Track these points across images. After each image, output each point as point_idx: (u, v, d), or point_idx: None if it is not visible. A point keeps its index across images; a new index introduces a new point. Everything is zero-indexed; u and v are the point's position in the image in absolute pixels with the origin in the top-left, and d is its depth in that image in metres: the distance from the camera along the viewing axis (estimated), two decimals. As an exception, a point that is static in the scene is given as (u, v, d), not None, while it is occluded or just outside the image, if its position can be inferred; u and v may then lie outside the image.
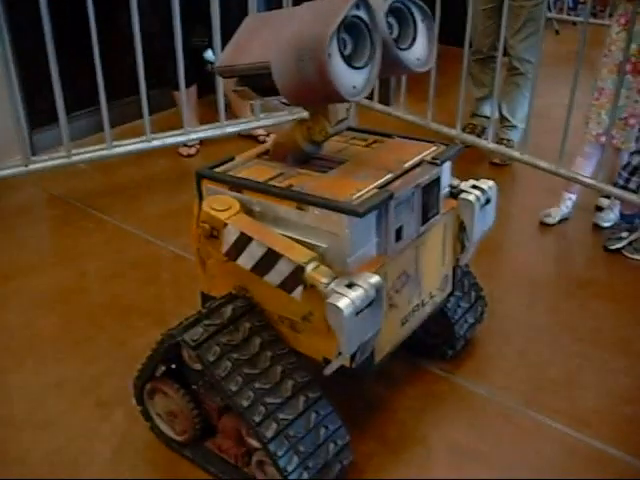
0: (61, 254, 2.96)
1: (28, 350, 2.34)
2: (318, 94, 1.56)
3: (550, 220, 3.15)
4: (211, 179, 1.78)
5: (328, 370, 1.65)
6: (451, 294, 2.04)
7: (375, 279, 1.56)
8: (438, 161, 1.78)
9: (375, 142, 1.95)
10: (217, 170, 1.81)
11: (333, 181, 1.70)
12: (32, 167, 3.22)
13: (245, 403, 1.63)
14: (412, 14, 1.65)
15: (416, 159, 1.79)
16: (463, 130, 3.70)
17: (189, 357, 1.75)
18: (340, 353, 1.59)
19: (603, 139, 2.98)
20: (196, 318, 1.73)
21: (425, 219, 1.79)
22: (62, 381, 2.19)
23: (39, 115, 3.63)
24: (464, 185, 1.93)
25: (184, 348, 1.73)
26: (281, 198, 1.65)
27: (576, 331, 2.46)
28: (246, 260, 1.64)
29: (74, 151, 3.29)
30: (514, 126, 3.89)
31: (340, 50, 1.49)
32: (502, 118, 3.91)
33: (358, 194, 1.60)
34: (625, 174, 2.91)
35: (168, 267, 2.87)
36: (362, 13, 1.52)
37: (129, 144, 3.41)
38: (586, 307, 2.62)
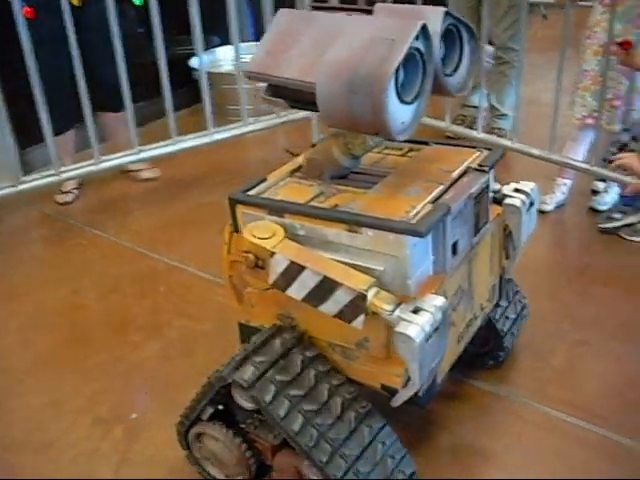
0: (56, 272, 2.91)
1: (26, 371, 2.31)
2: (365, 127, 1.47)
3: (546, 207, 3.11)
4: (248, 204, 1.66)
5: (397, 401, 1.56)
6: (497, 304, 1.96)
7: (440, 301, 1.46)
8: (486, 168, 1.69)
9: (411, 150, 1.85)
10: (251, 193, 1.69)
11: (382, 198, 1.59)
12: (22, 187, 3.14)
13: (310, 442, 1.53)
14: (461, 37, 1.55)
15: (462, 167, 1.69)
16: (453, 122, 3.66)
17: (242, 398, 1.63)
18: (407, 382, 1.50)
19: (588, 121, 2.97)
20: (244, 355, 1.61)
21: (477, 230, 1.69)
22: (60, 401, 2.16)
23: (30, 134, 3.49)
24: (506, 189, 1.84)
25: (235, 389, 1.61)
26: (330, 220, 1.54)
27: (577, 318, 2.43)
28: (297, 290, 1.53)
29: (63, 168, 3.21)
30: (505, 115, 3.84)
31: (396, 87, 1.39)
32: (492, 108, 3.87)
33: (414, 211, 1.50)
34: (613, 149, 2.90)
35: (164, 280, 2.81)
36: (420, 44, 1.41)
37: (117, 158, 3.32)
38: (586, 293, 2.59)
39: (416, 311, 1.43)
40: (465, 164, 1.71)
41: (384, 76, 1.36)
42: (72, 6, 2.98)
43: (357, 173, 1.74)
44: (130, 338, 2.43)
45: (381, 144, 1.73)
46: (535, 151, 3.16)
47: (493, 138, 3.52)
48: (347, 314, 1.48)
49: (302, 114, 3.66)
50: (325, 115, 1.49)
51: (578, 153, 3.08)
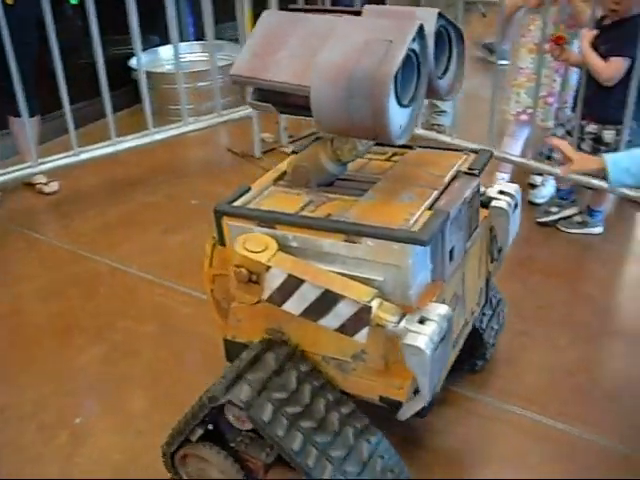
0: None
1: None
2: (364, 132, 1.42)
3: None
4: (235, 215, 1.58)
5: (405, 414, 1.52)
6: (483, 313, 1.94)
7: (445, 310, 1.43)
8: (476, 171, 1.66)
9: (394, 154, 1.81)
10: (236, 204, 1.62)
11: (376, 206, 1.54)
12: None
13: (310, 462, 1.48)
14: (450, 38, 1.52)
15: (453, 171, 1.66)
16: None
17: (236, 418, 1.55)
18: (415, 394, 1.46)
19: (523, 117, 3.05)
20: (236, 373, 1.54)
21: (470, 234, 1.67)
22: (4, 407, 2.11)
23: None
24: (491, 192, 1.82)
25: (230, 409, 1.54)
26: (327, 230, 1.48)
27: (520, 309, 2.45)
28: (296, 304, 1.47)
29: (0, 171, 3.10)
30: (444, 111, 3.90)
31: (395, 90, 1.34)
32: (431, 104, 3.90)
33: (413, 219, 1.46)
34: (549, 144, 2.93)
35: (106, 282, 2.75)
36: (416, 45, 1.37)
37: (56, 160, 3.22)
38: (528, 284, 2.65)
39: (422, 321, 1.39)
40: (455, 168, 1.68)
41: (385, 78, 1.32)
42: (5, 5, 2.85)
43: (344, 180, 1.69)
44: (74, 342, 2.38)
45: (371, 148, 1.67)
46: (474, 147, 3.16)
47: (433, 134, 3.57)
48: (349, 328, 1.43)
49: (243, 113, 3.62)
50: (320, 120, 1.43)
51: (515, 148, 3.16)
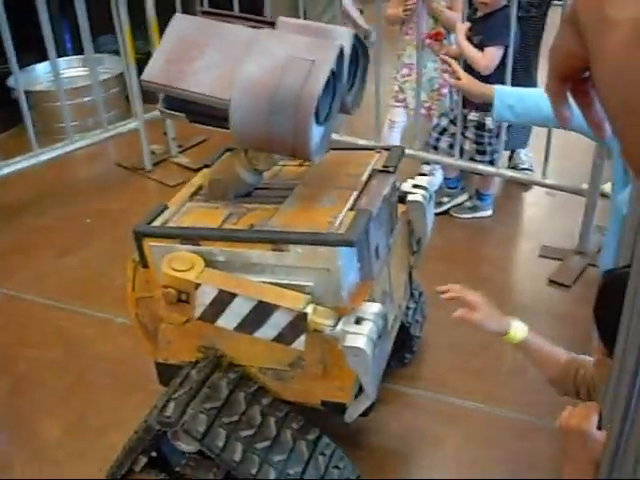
0: None
1: None
2: (282, 148, 1.42)
3: None
4: (157, 236, 1.54)
5: (351, 415, 1.52)
6: (407, 307, 1.98)
7: (378, 307, 1.45)
8: (391, 168, 1.69)
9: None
10: (155, 224, 1.58)
11: (298, 212, 1.54)
12: None
13: (253, 470, 1.50)
14: (357, 54, 1.54)
15: (368, 170, 1.68)
16: None
17: (178, 439, 1.52)
18: (357, 395, 1.47)
19: (422, 111, 3.14)
20: (167, 398, 1.51)
21: (391, 230, 1.69)
22: None
23: None
24: (405, 186, 1.85)
25: (170, 431, 1.50)
26: (253, 242, 1.47)
27: None
28: (229, 320, 1.45)
29: None
30: None
31: (316, 108, 1.34)
32: None
33: (337, 221, 1.47)
34: (435, 134, 3.07)
35: (4, 311, 2.63)
36: (335, 65, 1.38)
37: None
38: (424, 271, 2.58)
39: (358, 321, 1.40)
40: (370, 167, 1.70)
41: (309, 98, 1.33)
42: None
43: (261, 189, 1.68)
44: None
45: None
46: (362, 142, 3.25)
47: None
48: (287, 336, 1.42)
49: (130, 126, 3.54)
50: (237, 133, 1.41)
51: (395, 137, 3.26)
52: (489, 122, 2.84)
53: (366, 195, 1.58)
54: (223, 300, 1.43)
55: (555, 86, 0.61)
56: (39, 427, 2.05)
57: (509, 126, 2.88)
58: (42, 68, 4.35)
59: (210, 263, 1.49)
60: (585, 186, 2.70)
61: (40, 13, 3.07)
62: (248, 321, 1.43)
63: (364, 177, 1.65)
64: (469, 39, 2.75)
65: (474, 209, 3.08)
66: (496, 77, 2.69)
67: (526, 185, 3.24)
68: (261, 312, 1.41)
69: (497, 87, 1.89)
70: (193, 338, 1.61)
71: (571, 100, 0.61)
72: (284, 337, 1.42)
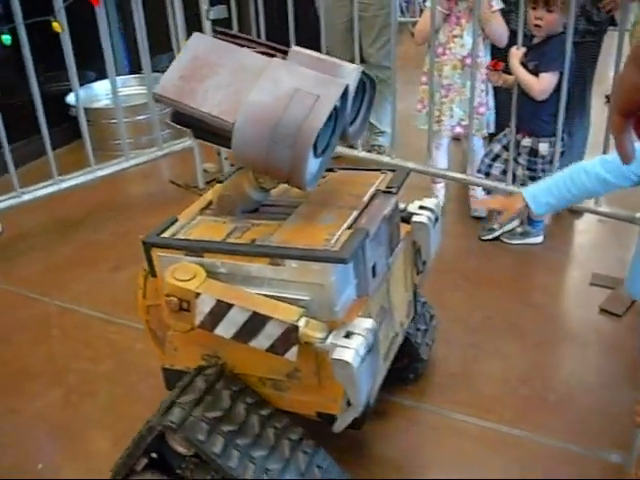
0: None
1: None
2: (278, 174, 1.51)
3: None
4: (164, 247, 1.63)
5: (339, 426, 1.57)
6: (413, 318, 2.02)
7: (369, 323, 1.50)
8: (394, 189, 1.75)
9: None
10: (164, 235, 1.66)
11: (298, 228, 1.61)
12: None
13: (248, 477, 1.52)
14: (364, 88, 1.61)
15: (371, 191, 1.74)
16: None
17: (176, 442, 1.59)
18: (348, 406, 1.52)
19: (457, 130, 3.21)
20: (171, 400, 1.58)
21: (391, 250, 1.74)
22: None
23: None
24: (412, 207, 1.90)
25: (169, 435, 1.58)
26: (252, 255, 1.54)
27: (468, 322, 2.55)
28: (226, 329, 1.52)
29: None
30: (383, 132, 3.99)
31: (315, 141, 1.42)
32: (370, 125, 3.99)
33: (334, 239, 1.53)
34: (487, 160, 3.09)
35: (57, 323, 2.72)
36: (338, 102, 1.45)
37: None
38: (474, 297, 2.73)
39: (348, 335, 1.46)
40: (373, 187, 1.76)
41: (310, 132, 1.40)
42: None
43: (268, 205, 1.75)
44: (27, 388, 2.34)
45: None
46: (413, 165, 3.33)
47: (373, 155, 3.67)
48: (279, 347, 1.48)
49: (184, 145, 3.65)
50: (238, 155, 1.49)
51: (442, 160, 3.33)
52: (542, 148, 2.88)
53: (366, 214, 1.64)
54: (221, 310, 1.50)
55: (618, 121, 0.63)
56: (89, 439, 2.11)
57: (563, 152, 2.90)
58: (100, 86, 4.58)
59: (213, 275, 1.57)
60: (639, 215, 2.71)
61: (101, 32, 3.24)
62: (244, 331, 1.50)
63: (366, 197, 1.71)
64: (524, 65, 2.79)
65: (525, 235, 3.09)
66: (551, 102, 2.75)
67: (578, 212, 3.24)
68: (256, 322, 1.48)
69: (524, 192, 1.92)
70: (197, 346, 1.69)
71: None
72: (277, 348, 1.48)
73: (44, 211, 3.55)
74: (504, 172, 3.02)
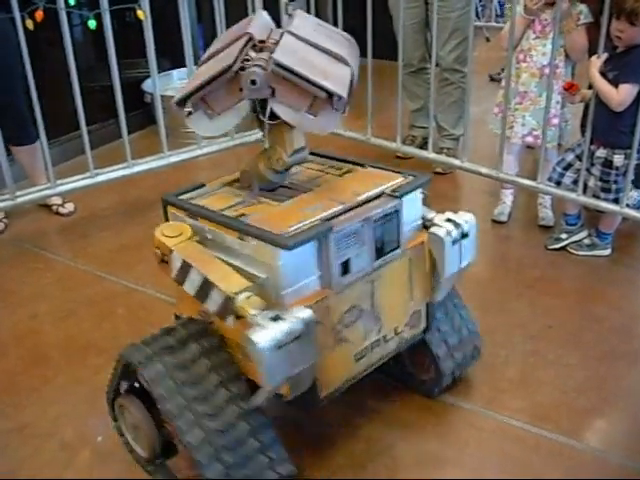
0: (11, 298, 2.85)
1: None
2: None
3: (502, 218, 3.30)
4: (175, 206, 1.82)
5: (256, 400, 1.64)
6: (426, 330, 1.97)
7: (305, 313, 1.53)
8: (397, 194, 1.74)
9: (348, 172, 1.93)
10: (183, 197, 1.85)
11: (284, 212, 1.69)
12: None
13: (184, 426, 1.64)
14: None
15: (376, 191, 1.75)
16: (403, 142, 3.76)
17: (140, 376, 1.78)
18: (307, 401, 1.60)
19: (529, 139, 3.14)
20: (145, 340, 1.77)
21: (381, 253, 1.74)
22: (23, 427, 2.14)
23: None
24: (438, 218, 1.85)
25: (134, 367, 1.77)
26: (226, 227, 1.67)
27: (528, 329, 2.50)
28: (189, 287, 1.67)
29: (18, 192, 3.19)
30: (451, 134, 3.92)
31: None
32: (439, 128, 3.94)
33: (296, 226, 1.59)
34: (559, 169, 2.98)
35: (123, 302, 2.79)
36: None
37: (72, 182, 3.31)
38: (536, 305, 2.65)
39: (276, 319, 1.52)
40: (380, 188, 1.76)
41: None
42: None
43: (286, 187, 1.85)
44: (91, 362, 2.39)
45: (302, 161, 1.81)
46: (484, 170, 3.26)
47: (443, 158, 3.61)
48: (222, 314, 1.60)
49: (256, 136, 3.49)
50: None
51: (513, 167, 3.25)
52: (617, 160, 2.75)
53: (353, 212, 1.67)
54: (185, 269, 1.66)
55: None
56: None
57: (638, 164, 2.74)
58: (177, 74, 4.64)
59: (202, 239, 1.73)
60: None
61: (182, 20, 3.27)
62: (200, 292, 1.64)
63: (363, 196, 1.73)
64: (603, 74, 2.68)
65: (592, 247, 2.99)
66: (629, 114, 2.64)
67: None
68: (206, 287, 1.61)
69: None
70: (193, 300, 1.85)
71: None
72: (221, 313, 1.60)
73: (116, 193, 3.64)
74: (575, 182, 2.92)
